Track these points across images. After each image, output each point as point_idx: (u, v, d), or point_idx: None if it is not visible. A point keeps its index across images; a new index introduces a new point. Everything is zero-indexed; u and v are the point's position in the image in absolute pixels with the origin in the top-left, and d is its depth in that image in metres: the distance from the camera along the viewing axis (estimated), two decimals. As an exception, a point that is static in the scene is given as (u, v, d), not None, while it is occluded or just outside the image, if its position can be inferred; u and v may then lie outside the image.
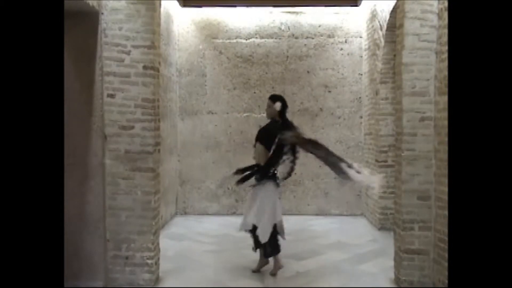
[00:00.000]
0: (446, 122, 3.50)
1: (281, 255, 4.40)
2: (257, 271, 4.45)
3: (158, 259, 4.18)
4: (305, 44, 7.22)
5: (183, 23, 7.26)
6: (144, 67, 3.93)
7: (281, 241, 4.37)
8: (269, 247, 4.31)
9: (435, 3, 3.83)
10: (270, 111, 4.43)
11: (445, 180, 3.52)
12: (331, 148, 7.20)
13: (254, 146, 4.46)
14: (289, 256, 4.65)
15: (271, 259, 4.43)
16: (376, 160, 6.21)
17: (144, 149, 3.93)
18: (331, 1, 7.18)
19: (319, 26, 7.22)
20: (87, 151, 3.91)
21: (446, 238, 3.50)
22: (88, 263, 3.92)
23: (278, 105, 4.37)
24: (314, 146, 4.20)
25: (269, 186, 4.29)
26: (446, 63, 3.56)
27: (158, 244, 4.17)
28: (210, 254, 5.07)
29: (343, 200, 7.23)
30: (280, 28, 7.24)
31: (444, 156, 3.60)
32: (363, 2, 6.94)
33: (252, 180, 4.36)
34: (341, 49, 7.21)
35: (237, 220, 6.67)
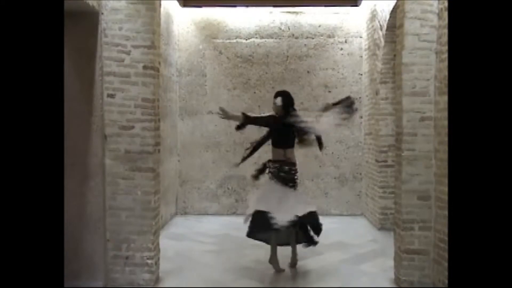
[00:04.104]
0: (446, 122, 3.50)
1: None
2: (294, 266, 4.52)
3: (158, 259, 4.18)
4: (305, 44, 7.22)
5: (183, 23, 7.26)
6: (144, 67, 3.93)
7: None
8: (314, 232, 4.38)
9: (435, 3, 3.83)
10: (276, 108, 4.51)
11: (445, 180, 3.52)
12: (330, 148, 7.24)
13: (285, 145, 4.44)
14: (289, 256, 4.64)
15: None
16: (376, 160, 6.22)
17: (144, 149, 3.93)
18: (331, 1, 7.18)
19: (319, 26, 7.22)
20: (87, 151, 3.91)
21: (446, 238, 3.50)
22: (88, 263, 3.92)
23: (279, 100, 4.49)
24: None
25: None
26: (446, 63, 3.56)
27: (158, 244, 4.17)
28: (210, 254, 5.07)
29: (343, 200, 7.23)
30: (280, 28, 7.24)
31: (444, 156, 3.60)
32: (363, 2, 6.94)
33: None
34: (341, 49, 7.21)
35: (237, 220, 6.69)
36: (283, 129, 4.43)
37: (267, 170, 4.51)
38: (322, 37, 7.22)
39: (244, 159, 4.56)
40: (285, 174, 4.39)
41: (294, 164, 4.47)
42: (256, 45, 7.23)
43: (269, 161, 4.52)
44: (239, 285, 4.15)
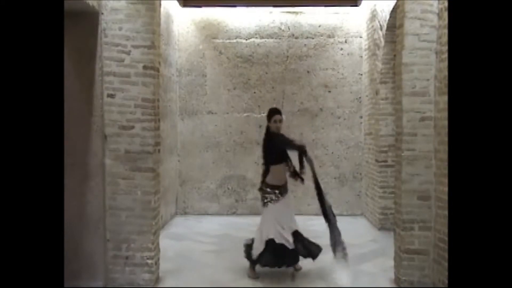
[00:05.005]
0: (446, 122, 3.50)
1: None
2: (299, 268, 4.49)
3: (158, 259, 4.18)
4: (305, 44, 7.22)
5: (183, 23, 7.26)
6: (144, 67, 3.93)
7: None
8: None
9: (435, 3, 3.83)
10: (278, 126, 4.34)
11: (445, 180, 3.52)
12: (330, 148, 7.22)
13: (269, 165, 4.30)
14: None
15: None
16: (376, 160, 6.22)
17: (144, 149, 3.93)
18: (331, 1, 7.18)
19: (319, 26, 7.22)
20: (87, 151, 3.91)
21: (446, 238, 3.50)
22: (88, 263, 3.92)
23: (280, 118, 4.35)
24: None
25: (290, 195, 4.49)
26: (446, 63, 3.56)
27: (158, 244, 4.17)
28: (210, 254, 5.07)
29: (343, 200, 7.22)
30: (280, 28, 7.24)
31: (444, 156, 3.60)
32: (363, 2, 6.94)
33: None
34: (341, 49, 7.21)
35: (237, 220, 6.72)
36: (279, 147, 4.32)
37: (265, 197, 4.32)
38: (322, 37, 7.22)
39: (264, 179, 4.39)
40: (280, 196, 4.33)
41: (287, 187, 4.40)
42: (256, 45, 7.23)
43: (266, 186, 4.31)
44: (239, 285, 4.15)
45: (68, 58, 3.73)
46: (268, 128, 4.39)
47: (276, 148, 4.30)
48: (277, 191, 4.28)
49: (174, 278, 4.25)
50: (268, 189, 4.30)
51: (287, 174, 4.37)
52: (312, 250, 4.33)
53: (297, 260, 4.35)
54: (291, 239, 4.22)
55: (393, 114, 5.31)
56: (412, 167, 3.91)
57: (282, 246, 4.19)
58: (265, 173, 4.34)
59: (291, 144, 4.26)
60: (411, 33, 3.89)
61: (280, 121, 4.33)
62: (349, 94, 7.21)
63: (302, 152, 4.17)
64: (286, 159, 4.35)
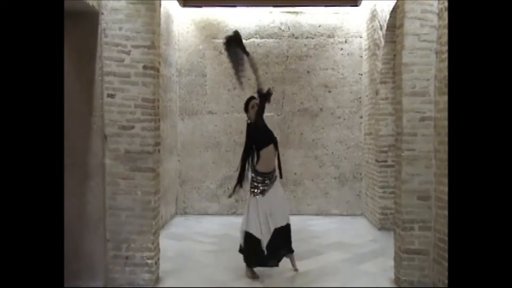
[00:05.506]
0: (446, 122, 3.50)
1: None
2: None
3: (158, 259, 4.18)
4: (305, 44, 7.22)
5: (183, 23, 7.26)
6: (144, 67, 3.93)
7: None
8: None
9: (435, 3, 3.83)
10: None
11: (445, 180, 3.52)
12: (330, 148, 7.22)
13: (258, 150, 4.33)
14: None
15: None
16: (376, 160, 6.22)
17: (144, 149, 3.93)
18: (331, 1, 7.19)
19: (319, 26, 7.22)
20: (87, 151, 3.91)
21: (446, 238, 3.50)
22: (88, 263, 3.92)
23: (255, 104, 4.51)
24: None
25: (278, 181, 4.45)
26: (446, 63, 3.56)
27: (158, 244, 4.17)
28: (210, 254, 5.08)
29: (343, 200, 7.23)
30: (280, 28, 7.24)
31: (444, 156, 3.60)
32: (363, 2, 6.94)
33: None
34: (341, 49, 7.21)
35: (237, 220, 6.69)
36: (262, 131, 4.43)
37: (257, 186, 4.28)
38: (322, 37, 7.22)
39: (236, 186, 4.38)
40: (269, 184, 4.32)
41: (275, 173, 4.40)
42: (256, 45, 7.23)
43: (257, 173, 4.29)
44: (239, 285, 4.15)
45: (68, 58, 3.73)
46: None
47: (261, 127, 4.41)
48: (267, 179, 4.30)
49: (174, 278, 4.25)
50: (259, 178, 4.29)
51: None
52: (280, 254, 4.36)
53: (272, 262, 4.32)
54: (266, 241, 4.20)
55: (393, 114, 5.31)
56: (412, 167, 3.91)
57: (259, 243, 4.20)
58: (243, 165, 4.37)
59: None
60: (411, 33, 3.89)
61: (257, 104, 4.44)
62: (349, 94, 7.21)
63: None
64: (274, 139, 4.40)
